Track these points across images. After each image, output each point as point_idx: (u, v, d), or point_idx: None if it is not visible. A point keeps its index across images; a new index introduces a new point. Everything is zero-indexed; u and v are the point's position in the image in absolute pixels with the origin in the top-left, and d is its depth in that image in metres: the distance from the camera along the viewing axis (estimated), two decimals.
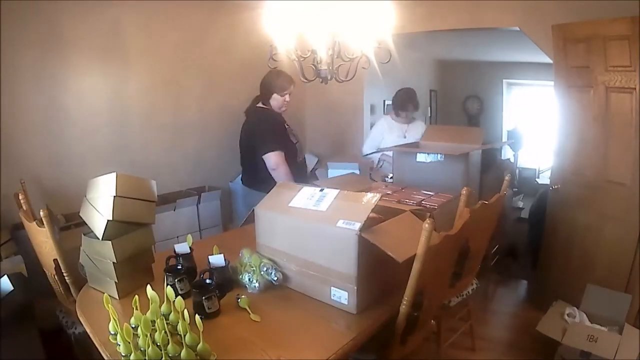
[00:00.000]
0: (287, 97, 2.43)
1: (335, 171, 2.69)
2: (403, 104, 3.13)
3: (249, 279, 1.43)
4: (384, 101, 5.10)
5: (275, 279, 1.42)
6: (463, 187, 1.67)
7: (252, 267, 1.45)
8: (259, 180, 2.41)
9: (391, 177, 2.65)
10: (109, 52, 2.71)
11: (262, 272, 1.43)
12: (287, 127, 2.53)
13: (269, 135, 2.40)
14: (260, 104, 2.51)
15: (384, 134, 3.19)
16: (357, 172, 2.62)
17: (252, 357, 1.10)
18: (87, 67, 2.64)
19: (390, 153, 2.98)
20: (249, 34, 2.62)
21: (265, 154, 2.36)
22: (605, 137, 2.24)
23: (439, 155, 2.28)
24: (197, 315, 1.17)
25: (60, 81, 2.52)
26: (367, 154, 3.20)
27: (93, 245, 1.40)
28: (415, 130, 3.14)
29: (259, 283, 1.41)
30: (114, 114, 2.81)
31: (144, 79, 2.93)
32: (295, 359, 1.10)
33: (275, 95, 2.41)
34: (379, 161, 3.22)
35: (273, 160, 2.36)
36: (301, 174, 2.54)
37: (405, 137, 3.11)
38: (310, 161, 4.02)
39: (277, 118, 2.50)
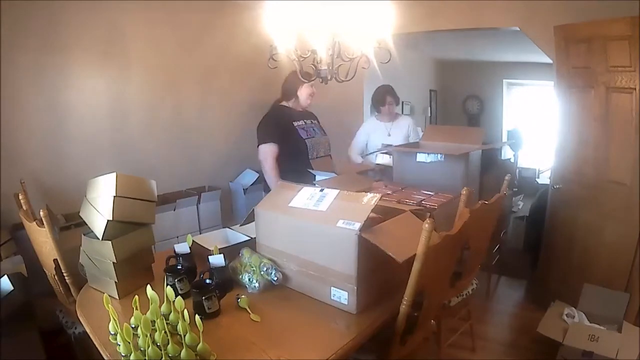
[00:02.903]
0: (313, 89, 2.49)
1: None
2: (379, 98, 3.10)
3: (249, 279, 1.43)
4: None
5: (275, 279, 1.42)
6: (463, 187, 1.67)
7: (252, 267, 1.45)
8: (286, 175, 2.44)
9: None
10: (109, 52, 2.71)
11: (262, 272, 1.43)
12: (303, 122, 2.54)
13: (265, 127, 2.46)
14: (282, 103, 2.57)
15: (370, 135, 3.16)
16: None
17: (252, 357, 1.10)
18: (87, 67, 2.64)
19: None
20: (249, 34, 2.63)
21: (259, 144, 2.45)
22: (606, 137, 2.24)
23: (439, 155, 2.28)
24: (197, 315, 1.17)
25: (60, 81, 2.52)
26: (366, 155, 3.19)
27: (93, 245, 1.40)
28: (400, 128, 3.11)
29: (259, 283, 1.41)
30: (114, 114, 2.81)
31: (144, 79, 2.93)
32: (295, 359, 1.10)
33: (304, 86, 2.45)
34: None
35: (261, 151, 2.43)
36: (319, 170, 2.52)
37: (389, 135, 3.08)
38: None
39: (285, 112, 2.51)
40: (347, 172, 2.55)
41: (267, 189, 2.53)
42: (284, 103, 2.57)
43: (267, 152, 2.41)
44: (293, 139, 2.45)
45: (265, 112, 2.60)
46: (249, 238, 1.71)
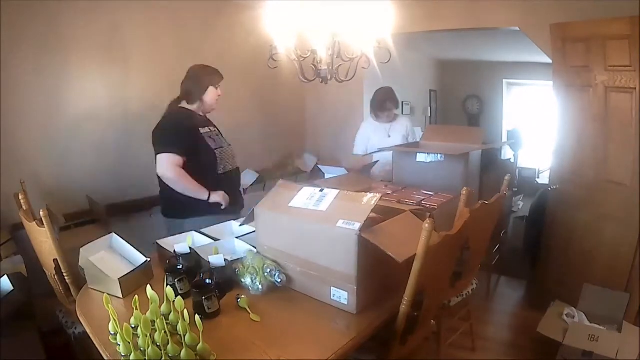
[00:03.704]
0: (219, 91, 2.16)
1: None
2: (380, 103, 3.04)
3: (252, 280, 1.42)
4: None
5: (279, 280, 1.41)
6: (463, 187, 1.67)
7: (255, 269, 1.44)
8: (176, 204, 2.04)
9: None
10: (109, 52, 2.71)
11: (265, 274, 1.42)
12: (208, 130, 2.16)
13: (166, 134, 2.02)
14: (182, 105, 2.15)
15: (370, 137, 3.12)
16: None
17: (252, 357, 1.10)
18: (87, 67, 2.64)
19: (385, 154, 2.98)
20: (249, 34, 2.62)
21: (157, 154, 1.99)
22: (605, 137, 2.24)
23: (439, 155, 2.28)
24: (197, 315, 1.17)
25: (61, 81, 2.52)
26: (368, 154, 3.19)
27: (98, 276, 1.43)
28: (400, 127, 3.09)
29: (262, 285, 1.40)
30: (114, 114, 2.81)
31: (144, 79, 2.93)
32: (295, 359, 1.10)
33: (211, 89, 2.12)
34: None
35: (161, 162, 1.97)
36: (229, 187, 2.13)
37: (389, 136, 3.06)
38: (310, 161, 4.02)
39: (190, 117, 2.11)
40: (354, 166, 2.57)
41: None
42: (185, 105, 2.14)
43: (169, 163, 1.95)
44: (201, 149, 2.04)
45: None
46: (252, 231, 1.68)
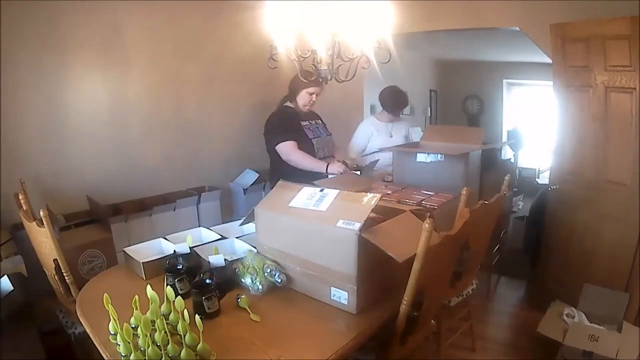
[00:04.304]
0: (313, 97, 2.52)
1: None
2: (398, 102, 3.05)
3: (252, 281, 1.42)
4: None
5: (279, 280, 1.41)
6: (463, 187, 1.67)
7: (256, 269, 1.44)
8: (287, 178, 2.42)
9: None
10: (109, 52, 2.71)
11: (265, 274, 1.42)
12: (308, 123, 2.60)
13: (278, 127, 2.49)
14: (286, 103, 2.60)
15: (372, 136, 3.11)
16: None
17: (252, 357, 1.10)
18: (87, 67, 2.64)
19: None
20: (249, 34, 2.62)
21: (276, 145, 2.45)
22: (605, 137, 2.24)
23: (439, 155, 2.28)
24: (197, 315, 1.17)
25: (61, 81, 2.52)
26: (368, 154, 3.18)
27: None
28: (400, 127, 3.13)
29: (262, 285, 1.40)
30: (114, 114, 2.81)
31: (144, 79, 2.93)
32: (295, 359, 1.10)
33: (303, 92, 2.49)
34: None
35: (284, 149, 2.43)
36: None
37: (391, 136, 3.07)
38: None
39: (292, 113, 2.55)
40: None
41: (267, 189, 2.54)
42: (288, 104, 2.61)
43: (290, 148, 2.42)
44: (301, 138, 2.49)
45: (268, 111, 2.60)
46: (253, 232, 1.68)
